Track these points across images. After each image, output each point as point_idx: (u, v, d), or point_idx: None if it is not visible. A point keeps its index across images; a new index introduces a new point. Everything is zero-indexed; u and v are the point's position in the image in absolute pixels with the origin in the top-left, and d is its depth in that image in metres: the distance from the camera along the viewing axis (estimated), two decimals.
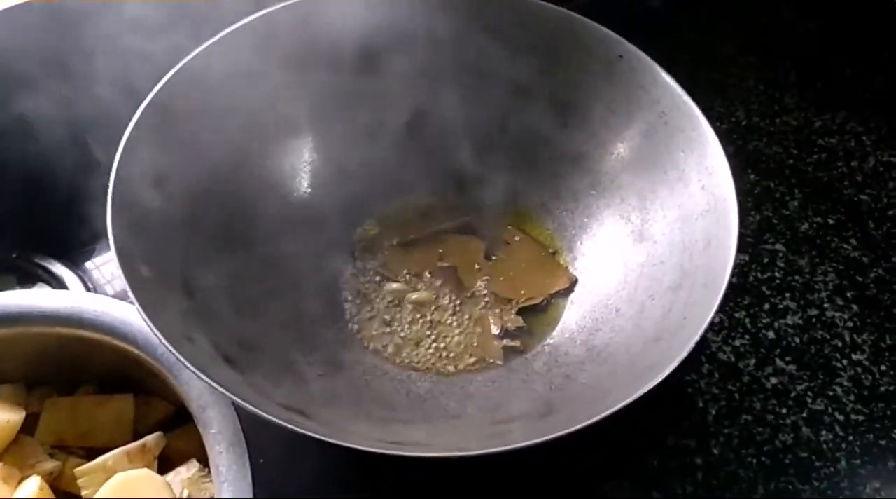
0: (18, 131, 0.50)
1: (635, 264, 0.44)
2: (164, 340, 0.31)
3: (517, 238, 0.50)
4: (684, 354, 0.33)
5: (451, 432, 0.37)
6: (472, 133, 0.50)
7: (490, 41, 0.48)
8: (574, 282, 0.47)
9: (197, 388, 0.34)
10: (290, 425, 0.30)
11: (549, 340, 0.45)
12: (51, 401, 0.38)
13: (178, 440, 0.38)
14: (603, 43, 0.45)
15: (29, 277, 0.51)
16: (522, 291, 0.47)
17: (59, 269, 0.51)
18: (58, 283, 0.51)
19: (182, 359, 0.31)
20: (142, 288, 0.34)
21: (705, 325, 0.34)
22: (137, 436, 0.38)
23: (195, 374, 0.31)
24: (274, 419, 0.30)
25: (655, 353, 0.35)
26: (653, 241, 0.43)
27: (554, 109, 0.48)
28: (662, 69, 0.44)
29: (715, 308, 0.35)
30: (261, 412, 0.30)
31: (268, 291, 0.42)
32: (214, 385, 0.31)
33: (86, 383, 0.40)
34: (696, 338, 0.33)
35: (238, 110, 0.44)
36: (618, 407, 0.31)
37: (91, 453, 0.38)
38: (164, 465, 0.38)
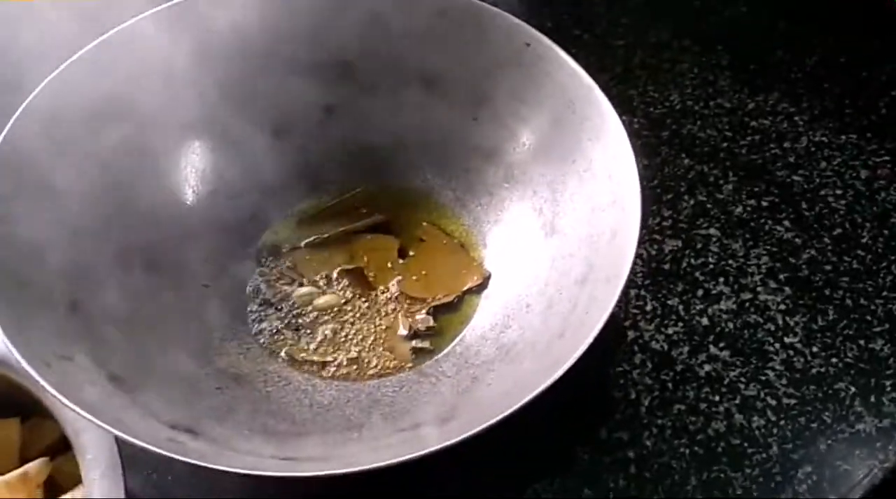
0: None
1: (546, 258, 0.43)
2: (23, 361, 0.30)
3: (432, 235, 0.49)
4: (577, 354, 0.31)
5: (351, 444, 0.36)
6: (383, 128, 0.49)
7: (396, 33, 0.46)
8: (487, 278, 0.46)
9: (71, 412, 0.32)
10: (161, 450, 0.29)
11: (461, 340, 0.44)
12: None
13: (68, 465, 0.37)
14: (509, 31, 0.44)
15: None
16: (435, 290, 0.46)
17: None
18: None
19: (43, 382, 0.29)
20: (9, 306, 0.32)
21: (601, 322, 0.33)
22: (26, 461, 0.36)
23: (58, 398, 0.29)
24: (145, 445, 0.29)
25: (557, 350, 0.34)
26: (563, 233, 0.42)
27: (464, 102, 0.47)
28: (570, 56, 0.43)
29: (612, 305, 0.34)
30: (130, 438, 0.29)
31: (165, 303, 0.41)
32: (78, 410, 0.29)
33: None
34: (591, 337, 0.32)
35: (130, 113, 0.42)
36: (504, 414, 0.30)
37: None
38: (54, 491, 0.36)
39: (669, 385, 0.50)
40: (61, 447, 0.38)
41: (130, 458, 0.40)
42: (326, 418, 0.39)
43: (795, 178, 0.61)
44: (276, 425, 0.37)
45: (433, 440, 0.31)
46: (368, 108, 0.48)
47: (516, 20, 0.44)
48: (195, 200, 0.46)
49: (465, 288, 0.46)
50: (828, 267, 0.56)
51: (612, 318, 0.51)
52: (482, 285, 0.46)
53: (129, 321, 0.39)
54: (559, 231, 0.43)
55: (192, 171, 0.46)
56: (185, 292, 0.42)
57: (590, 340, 0.32)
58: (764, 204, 0.59)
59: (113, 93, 0.41)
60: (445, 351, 0.43)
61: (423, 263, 0.48)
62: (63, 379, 0.31)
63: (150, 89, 0.43)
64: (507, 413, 0.30)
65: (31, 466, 0.35)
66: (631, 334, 0.52)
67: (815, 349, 0.52)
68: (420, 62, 0.47)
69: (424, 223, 0.49)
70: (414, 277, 0.47)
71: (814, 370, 0.51)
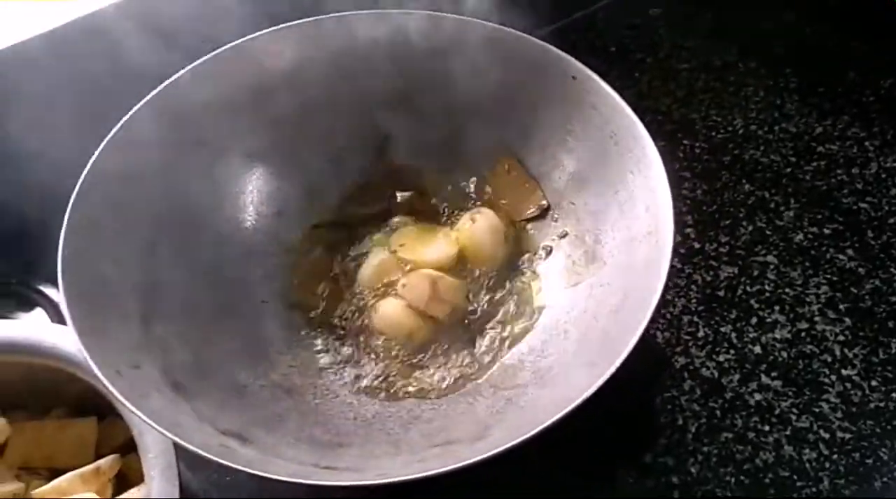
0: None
1: (586, 285, 0.44)
2: (96, 369, 0.33)
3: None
4: (600, 381, 0.32)
5: (388, 457, 0.38)
6: (436, 156, 0.51)
7: (449, 66, 0.48)
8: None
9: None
10: (211, 456, 0.32)
11: (500, 363, 0.45)
12: (18, 425, 0.41)
13: (137, 462, 0.40)
14: (555, 64, 0.45)
15: (27, 302, 0.54)
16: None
17: (56, 294, 0.54)
18: (54, 309, 0.53)
19: (112, 388, 0.33)
20: (87, 317, 0.36)
21: (626, 351, 0.34)
22: (100, 458, 0.40)
23: (123, 404, 0.33)
24: (194, 449, 0.32)
25: (589, 377, 0.35)
26: (602, 262, 0.43)
27: (513, 132, 0.49)
28: (613, 89, 0.44)
29: (639, 333, 0.34)
30: (185, 443, 0.32)
31: (227, 316, 0.44)
32: (141, 416, 0.32)
33: (58, 407, 0.43)
34: (614, 367, 0.33)
35: (201, 142, 0.46)
36: (534, 432, 0.31)
37: (56, 475, 0.40)
38: (124, 485, 0.40)
39: (718, 413, 0.50)
40: (132, 446, 0.41)
41: (195, 459, 0.43)
42: (368, 432, 0.41)
43: (862, 205, 0.60)
44: (321, 435, 0.40)
45: (464, 456, 0.33)
46: (422, 137, 0.50)
47: (563, 54, 0.45)
48: (258, 221, 0.49)
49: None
50: (893, 298, 0.54)
51: (662, 344, 0.52)
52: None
53: (194, 334, 0.42)
54: (599, 259, 0.44)
55: (257, 194, 0.49)
56: (245, 308, 0.46)
57: (611, 371, 0.33)
58: (826, 231, 0.58)
59: (186, 124, 0.45)
60: (485, 375, 0.45)
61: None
62: (130, 386, 0.35)
63: (218, 121, 0.46)
64: (531, 434, 0.32)
65: (104, 461, 0.39)
66: (681, 360, 0.52)
67: (874, 383, 0.50)
68: (471, 93, 0.49)
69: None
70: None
71: (872, 405, 0.49)
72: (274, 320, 0.46)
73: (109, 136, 0.42)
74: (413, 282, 0.47)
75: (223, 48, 0.45)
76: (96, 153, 0.41)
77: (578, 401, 0.32)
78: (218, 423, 0.37)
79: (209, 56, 0.45)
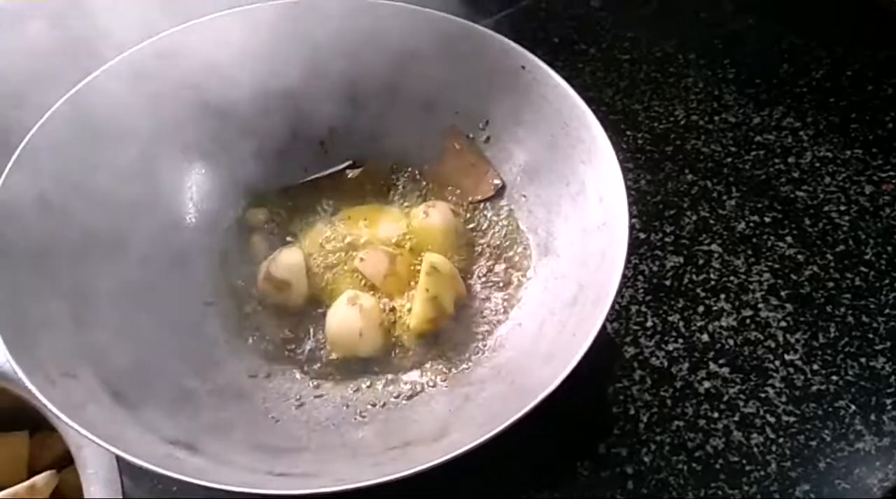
0: None
1: (540, 278, 0.43)
2: (26, 380, 0.31)
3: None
4: (559, 380, 0.32)
5: (344, 460, 0.37)
6: (384, 150, 0.49)
7: (397, 57, 0.47)
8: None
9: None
10: (157, 468, 0.30)
11: (458, 358, 0.44)
12: None
13: (74, 477, 0.38)
14: (505, 54, 0.45)
15: None
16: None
17: None
18: None
19: (45, 400, 0.31)
20: (13, 326, 0.33)
21: (585, 347, 0.33)
22: (34, 474, 0.38)
23: (58, 416, 0.30)
24: (141, 462, 0.30)
25: (547, 372, 0.35)
26: (556, 254, 0.43)
27: (463, 123, 0.48)
28: (563, 79, 0.43)
29: (597, 327, 0.34)
30: (127, 455, 0.30)
31: (169, 319, 0.42)
32: (77, 428, 0.30)
33: None
34: (574, 363, 0.33)
35: (134, 137, 0.44)
36: (496, 431, 0.31)
37: None
38: None
39: (668, 402, 0.50)
40: (68, 460, 0.39)
41: (140, 471, 0.41)
42: (322, 436, 0.40)
43: (799, 193, 0.61)
44: (274, 441, 0.38)
45: (422, 459, 0.32)
46: (370, 130, 0.49)
47: (512, 44, 0.45)
48: (199, 218, 0.47)
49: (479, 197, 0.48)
50: (830, 284, 0.56)
51: (612, 334, 0.52)
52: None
53: (133, 339, 0.40)
54: (553, 252, 0.43)
55: (196, 190, 0.47)
56: (187, 310, 0.44)
57: (573, 365, 0.33)
58: (767, 220, 0.59)
59: (108, 122, 0.42)
60: (442, 373, 0.44)
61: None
62: (66, 397, 0.33)
63: (153, 114, 0.44)
64: (493, 433, 0.31)
65: (39, 478, 0.36)
66: (631, 351, 0.52)
67: (815, 367, 0.52)
68: (420, 85, 0.48)
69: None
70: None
71: (814, 388, 0.51)
72: (219, 322, 0.44)
73: (24, 142, 0.39)
74: (372, 256, 0.45)
75: (152, 39, 0.42)
76: (23, 143, 0.39)
77: (539, 398, 0.31)
78: (164, 432, 0.35)
79: (134, 49, 0.42)
